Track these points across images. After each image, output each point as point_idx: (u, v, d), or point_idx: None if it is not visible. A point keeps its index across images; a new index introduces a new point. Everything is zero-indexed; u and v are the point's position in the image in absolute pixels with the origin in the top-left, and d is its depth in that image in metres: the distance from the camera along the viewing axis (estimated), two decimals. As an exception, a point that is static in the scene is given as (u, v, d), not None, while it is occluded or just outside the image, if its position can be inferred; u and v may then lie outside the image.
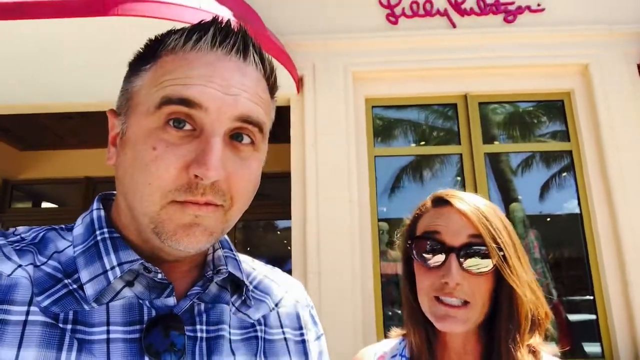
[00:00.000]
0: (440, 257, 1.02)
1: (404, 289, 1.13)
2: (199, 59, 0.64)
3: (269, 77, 0.71)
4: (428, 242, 1.04)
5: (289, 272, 4.19)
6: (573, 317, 4.58)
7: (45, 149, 6.91)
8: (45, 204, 7.77)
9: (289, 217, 4.40)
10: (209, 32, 0.65)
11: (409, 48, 4.64)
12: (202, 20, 0.68)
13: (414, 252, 1.07)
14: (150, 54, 0.67)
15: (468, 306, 1.00)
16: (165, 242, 0.62)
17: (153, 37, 0.70)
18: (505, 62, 4.63)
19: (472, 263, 1.00)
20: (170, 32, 0.68)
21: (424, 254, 1.04)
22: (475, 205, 1.05)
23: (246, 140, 0.66)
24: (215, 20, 0.67)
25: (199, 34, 0.65)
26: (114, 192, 0.74)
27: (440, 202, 1.09)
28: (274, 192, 5.83)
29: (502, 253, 1.00)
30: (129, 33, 3.33)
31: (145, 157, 0.61)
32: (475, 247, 1.00)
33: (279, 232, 7.83)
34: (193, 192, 0.61)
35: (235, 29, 0.68)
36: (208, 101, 0.62)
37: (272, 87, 0.72)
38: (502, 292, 1.01)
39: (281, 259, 7.07)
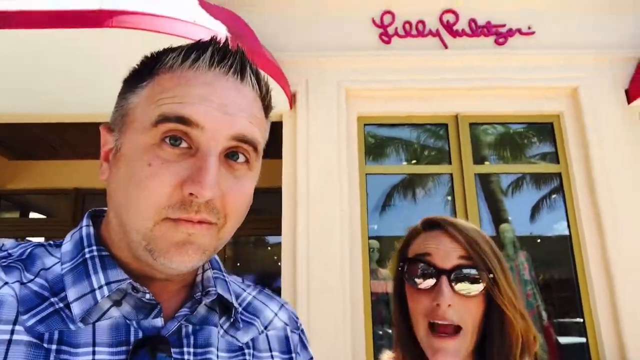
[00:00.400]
0: (432, 280, 1.03)
1: (395, 312, 1.14)
2: (197, 78, 0.64)
3: (264, 97, 0.72)
4: (419, 265, 1.05)
5: (279, 289, 4.12)
6: (563, 340, 4.58)
7: (35, 159, 6.85)
8: (33, 215, 7.68)
9: (279, 233, 4.39)
10: (207, 51, 0.66)
11: (401, 67, 4.69)
12: (200, 40, 0.68)
13: (406, 275, 1.08)
14: (147, 71, 0.67)
15: (460, 334, 1.01)
16: (157, 259, 0.61)
17: (149, 54, 0.70)
18: (495, 83, 4.68)
19: (463, 286, 1.01)
20: (168, 50, 0.68)
21: (415, 277, 1.05)
22: (464, 229, 1.07)
23: (241, 159, 0.66)
24: (213, 40, 0.68)
25: (197, 53, 0.66)
26: (105, 208, 0.73)
27: (431, 225, 1.11)
28: (265, 208, 5.81)
29: (491, 276, 1.01)
30: (124, 45, 3.33)
31: (140, 173, 0.61)
32: (465, 270, 1.02)
33: (269, 248, 7.79)
34: (187, 210, 0.60)
35: (233, 49, 0.68)
36: (205, 120, 0.62)
37: (267, 107, 0.73)
38: (493, 316, 1.02)
39: (271, 275, 7.02)
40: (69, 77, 3.97)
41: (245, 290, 0.84)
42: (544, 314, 4.55)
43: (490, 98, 4.73)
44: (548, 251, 5.07)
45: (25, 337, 0.56)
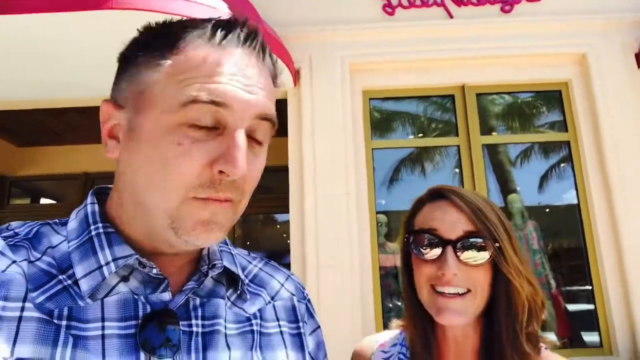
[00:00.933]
0: (437, 251, 1.03)
1: (403, 281, 1.15)
2: (224, 57, 0.63)
3: (275, 75, 0.72)
4: (425, 236, 1.05)
5: (288, 265, 4.15)
6: (572, 307, 4.61)
7: (43, 145, 6.90)
8: (43, 200, 7.76)
9: (287, 211, 4.40)
10: (234, 29, 0.66)
11: (405, 39, 4.63)
12: (219, 17, 0.68)
13: (412, 246, 1.08)
14: (166, 46, 0.64)
15: (468, 295, 1.01)
16: (181, 237, 0.62)
17: (161, 25, 0.67)
18: (502, 52, 4.61)
19: (468, 255, 1.01)
20: (187, 25, 0.65)
21: (421, 248, 1.06)
22: (470, 199, 1.06)
23: (260, 136, 0.67)
24: (237, 18, 0.67)
25: (222, 32, 0.65)
26: (109, 186, 0.74)
27: (437, 196, 1.11)
28: (273, 186, 5.83)
29: (497, 245, 1.01)
30: (124, 26, 3.30)
31: (167, 153, 0.61)
32: (471, 240, 1.02)
33: (278, 226, 7.84)
34: (216, 189, 0.61)
35: (254, 28, 0.68)
36: (233, 100, 0.62)
37: (275, 84, 0.74)
38: (499, 284, 1.03)
39: (281, 253, 7.07)
40: (67, 61, 3.95)
41: (251, 263, 0.85)
42: (552, 283, 4.57)
43: (497, 67, 4.67)
44: (557, 220, 5.06)
45: (36, 314, 0.57)
